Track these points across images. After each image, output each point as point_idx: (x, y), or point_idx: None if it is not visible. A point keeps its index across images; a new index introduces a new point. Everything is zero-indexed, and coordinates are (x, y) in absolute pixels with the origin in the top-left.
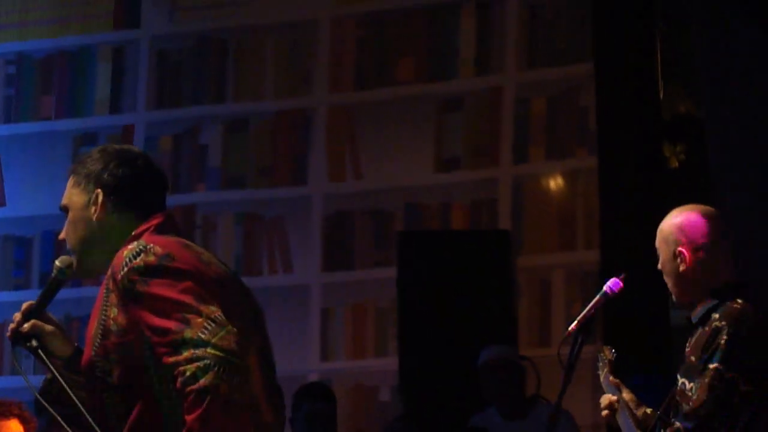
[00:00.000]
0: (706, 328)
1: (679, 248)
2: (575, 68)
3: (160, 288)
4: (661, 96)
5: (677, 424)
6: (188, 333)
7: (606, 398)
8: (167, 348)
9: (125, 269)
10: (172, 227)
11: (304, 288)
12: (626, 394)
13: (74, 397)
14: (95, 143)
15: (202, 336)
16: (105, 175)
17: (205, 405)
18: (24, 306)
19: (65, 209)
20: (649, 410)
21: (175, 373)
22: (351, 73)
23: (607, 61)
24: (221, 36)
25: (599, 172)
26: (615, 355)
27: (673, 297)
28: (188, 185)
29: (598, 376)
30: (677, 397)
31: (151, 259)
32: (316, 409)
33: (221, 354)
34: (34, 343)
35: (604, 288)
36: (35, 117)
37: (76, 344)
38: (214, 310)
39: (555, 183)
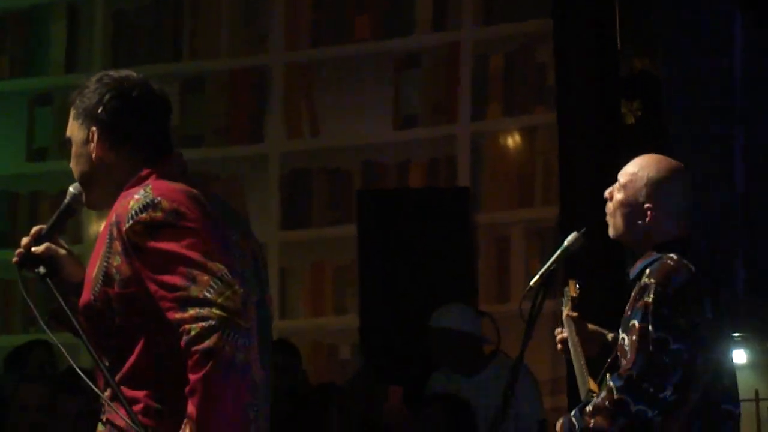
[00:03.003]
0: (639, 282)
1: (647, 205)
2: (533, 24)
3: (167, 243)
4: (619, 52)
5: (610, 382)
6: (194, 291)
7: (557, 333)
8: (172, 303)
9: (131, 221)
10: (179, 170)
11: (261, 247)
12: (589, 326)
13: (78, 327)
14: (51, 104)
15: (208, 295)
16: (99, 110)
17: (209, 366)
18: (33, 230)
19: (68, 141)
20: (610, 336)
21: (180, 330)
22: (307, 30)
23: (565, 17)
24: None
25: (558, 129)
26: (579, 291)
27: (614, 233)
28: None
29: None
30: (618, 352)
31: (159, 215)
32: (282, 363)
33: (226, 315)
34: (42, 269)
35: (565, 242)
36: None
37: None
38: (221, 268)
39: (513, 140)
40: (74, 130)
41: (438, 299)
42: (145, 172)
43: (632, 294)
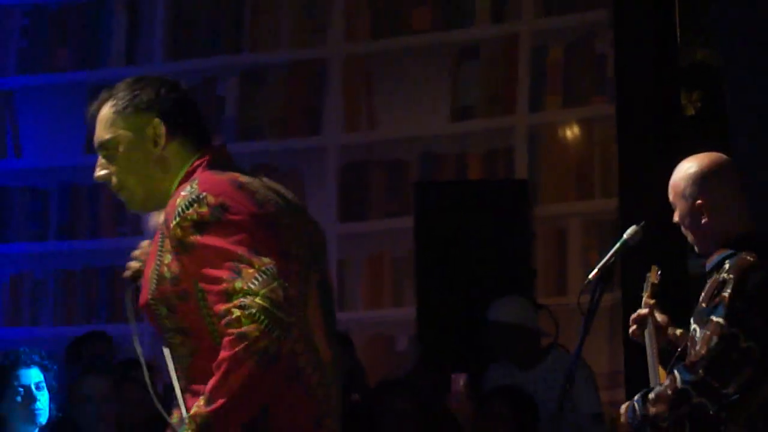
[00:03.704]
0: (717, 276)
1: (698, 201)
2: (592, 15)
3: (213, 239)
4: (679, 43)
5: (675, 372)
6: (239, 283)
7: (637, 313)
8: (218, 296)
9: (177, 218)
10: (225, 160)
11: (320, 227)
12: (659, 316)
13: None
14: None
15: (252, 286)
16: (159, 102)
17: (240, 349)
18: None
19: (104, 147)
20: (679, 331)
21: (220, 313)
22: (367, 22)
23: (625, 8)
24: None
25: (617, 120)
26: (660, 277)
27: (697, 249)
28: None
29: (615, 325)
30: (689, 343)
31: (204, 210)
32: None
33: (268, 306)
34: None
35: (624, 236)
36: (50, 69)
37: None
38: (267, 262)
39: (572, 131)
40: (119, 128)
41: (495, 291)
42: (192, 165)
43: (708, 286)
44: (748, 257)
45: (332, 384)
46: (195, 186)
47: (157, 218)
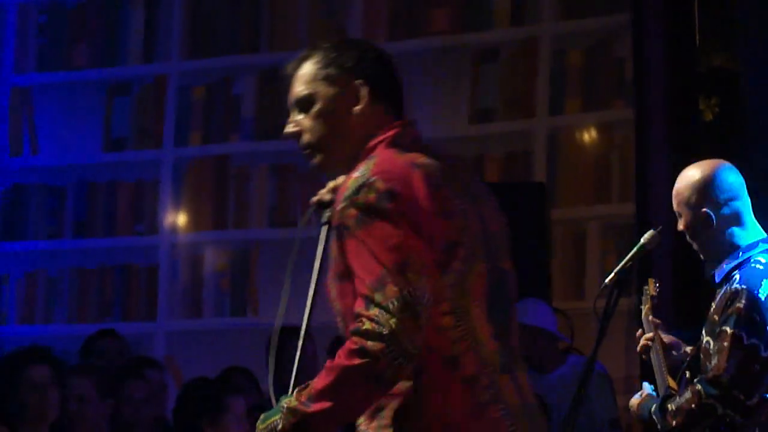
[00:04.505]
0: (727, 288)
1: (704, 210)
2: (612, 19)
3: (371, 236)
4: (698, 48)
5: (698, 386)
6: (379, 296)
7: (643, 337)
8: (359, 298)
9: (345, 202)
10: (410, 138)
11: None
12: (665, 337)
13: None
14: (128, 92)
15: (390, 306)
16: (364, 65)
17: (360, 364)
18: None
19: (300, 102)
20: (689, 349)
21: (356, 314)
22: (385, 23)
23: (644, 12)
24: None
25: (635, 125)
26: (658, 289)
27: (703, 256)
28: (222, 136)
29: (632, 330)
30: (701, 354)
31: (371, 196)
32: None
33: (398, 332)
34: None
35: (641, 240)
36: (67, 66)
37: None
38: (413, 281)
39: (590, 135)
40: (320, 87)
41: None
42: (375, 140)
43: (719, 296)
44: (758, 265)
45: (498, 373)
46: (370, 167)
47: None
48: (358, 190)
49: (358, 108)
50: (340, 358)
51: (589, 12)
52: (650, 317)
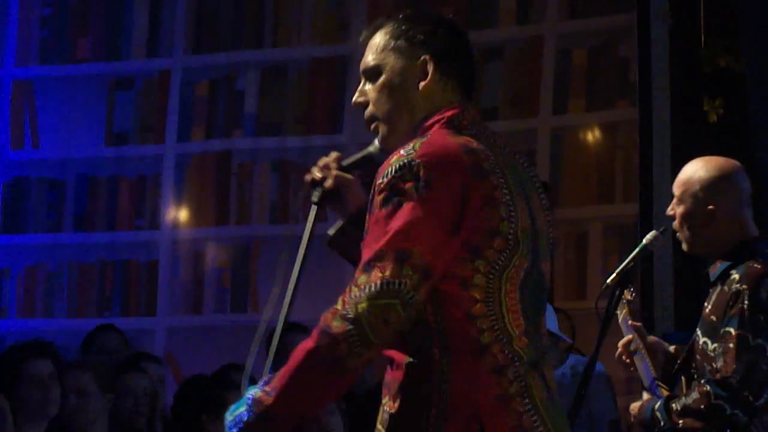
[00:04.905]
0: (725, 288)
1: (711, 207)
2: (617, 19)
3: (391, 219)
4: (702, 49)
5: (707, 387)
6: (363, 278)
7: (624, 340)
8: (359, 266)
9: (385, 179)
10: (469, 119)
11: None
12: (648, 338)
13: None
14: (131, 87)
15: (366, 291)
16: (435, 40)
17: (317, 344)
18: (335, 155)
19: (367, 72)
20: (672, 348)
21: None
22: None
23: (649, 12)
24: None
25: (639, 125)
26: (634, 295)
27: (686, 245)
28: (224, 131)
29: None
30: (697, 355)
31: (408, 184)
32: None
33: (363, 319)
34: (317, 194)
35: (644, 241)
36: (71, 59)
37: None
38: (407, 275)
39: (594, 135)
40: (387, 58)
41: None
42: (432, 119)
43: (714, 296)
44: (756, 265)
45: (527, 368)
46: (417, 146)
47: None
48: (400, 169)
49: (423, 83)
50: (307, 342)
51: (594, 12)
52: (630, 321)
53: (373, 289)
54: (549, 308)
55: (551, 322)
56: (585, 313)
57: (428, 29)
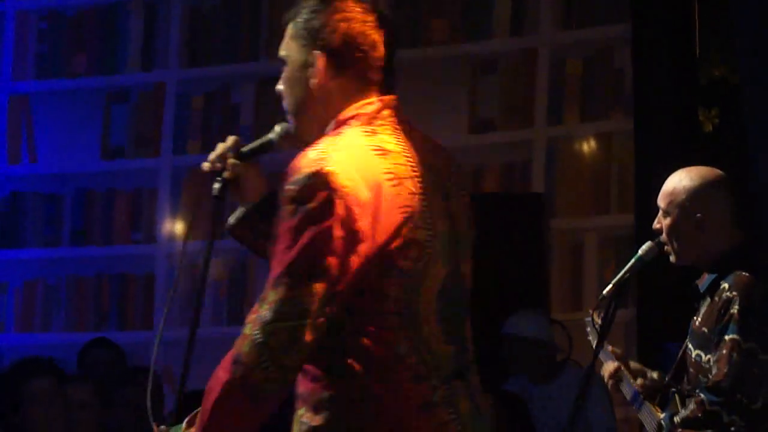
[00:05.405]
0: (716, 299)
1: (699, 215)
2: (611, 29)
3: (296, 232)
4: (698, 58)
5: (701, 396)
6: (272, 295)
7: (610, 366)
8: (269, 280)
9: (291, 186)
10: (384, 117)
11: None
12: (631, 364)
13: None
14: (127, 101)
15: (274, 311)
16: (326, 34)
17: (232, 375)
18: (232, 140)
19: (283, 62)
20: (655, 374)
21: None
22: None
23: (644, 23)
24: None
25: (634, 135)
26: (603, 319)
27: (675, 257)
28: None
29: (630, 341)
30: (690, 368)
31: (312, 196)
32: None
33: (272, 342)
34: (217, 187)
35: (639, 252)
36: (67, 74)
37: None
38: (313, 292)
39: (589, 146)
40: (292, 50)
41: (510, 305)
42: (345, 115)
43: (704, 308)
44: (744, 273)
45: (451, 377)
46: (327, 150)
47: None
48: (308, 178)
49: (314, 81)
50: (220, 373)
51: (589, 22)
52: (610, 347)
53: (281, 308)
54: (543, 319)
55: (545, 332)
56: (581, 324)
57: (322, 21)
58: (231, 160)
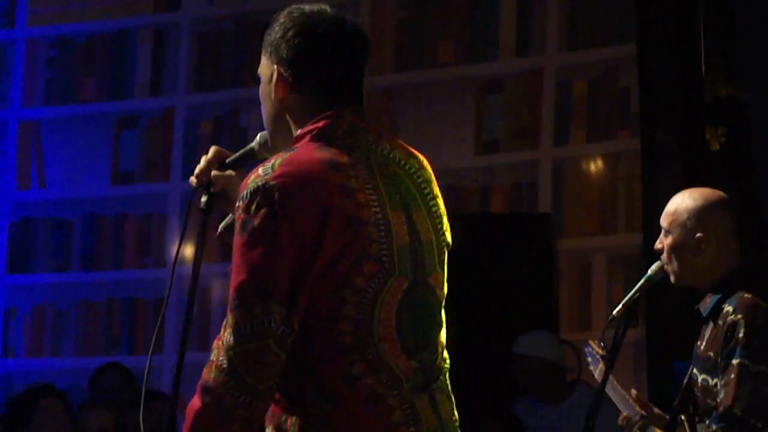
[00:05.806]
0: (720, 322)
1: (700, 235)
2: (617, 50)
3: (249, 248)
4: (704, 76)
5: (712, 426)
6: (231, 318)
7: (621, 419)
8: (229, 302)
9: (240, 202)
10: (344, 128)
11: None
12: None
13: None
14: (136, 126)
15: (236, 334)
16: (282, 47)
17: (202, 403)
18: (214, 151)
19: (258, 78)
20: (656, 410)
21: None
22: (391, 54)
23: (650, 43)
24: (260, 18)
25: (641, 155)
26: (604, 348)
27: (674, 277)
28: None
29: (639, 361)
30: (698, 393)
31: (261, 210)
32: None
33: (238, 366)
34: (204, 201)
35: (648, 272)
36: (76, 100)
37: None
38: (273, 310)
39: (596, 165)
40: (263, 66)
41: (519, 326)
42: (303, 130)
43: (708, 332)
44: (747, 295)
45: (414, 392)
46: (276, 165)
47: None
48: (254, 193)
49: (275, 96)
50: (194, 402)
51: (594, 43)
52: (618, 387)
53: (243, 332)
54: (552, 339)
55: (553, 353)
56: None
57: (280, 34)
58: (214, 172)
